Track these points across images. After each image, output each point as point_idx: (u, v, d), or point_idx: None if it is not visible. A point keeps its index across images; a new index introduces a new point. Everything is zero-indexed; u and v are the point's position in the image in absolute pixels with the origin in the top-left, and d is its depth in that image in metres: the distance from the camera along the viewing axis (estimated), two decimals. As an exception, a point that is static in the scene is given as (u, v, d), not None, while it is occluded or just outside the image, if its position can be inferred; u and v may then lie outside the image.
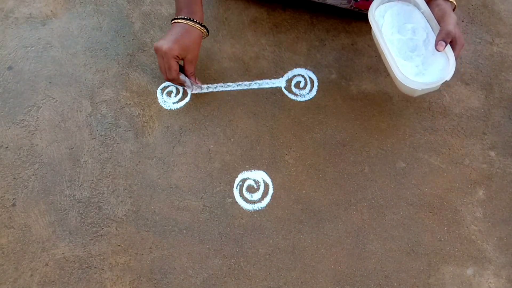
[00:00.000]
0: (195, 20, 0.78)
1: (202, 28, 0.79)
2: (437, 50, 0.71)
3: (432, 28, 0.75)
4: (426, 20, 0.76)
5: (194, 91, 0.88)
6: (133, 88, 0.90)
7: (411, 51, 0.76)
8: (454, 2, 0.75)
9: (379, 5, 0.78)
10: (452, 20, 0.72)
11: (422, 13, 0.77)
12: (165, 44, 0.76)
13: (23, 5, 1.02)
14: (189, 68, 0.83)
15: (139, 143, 0.84)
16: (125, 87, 0.90)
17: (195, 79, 0.85)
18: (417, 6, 0.77)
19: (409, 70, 0.75)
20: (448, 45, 0.72)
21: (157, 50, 0.78)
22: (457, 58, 0.73)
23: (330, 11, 0.92)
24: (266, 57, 0.93)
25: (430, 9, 0.76)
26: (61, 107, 0.88)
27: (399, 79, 0.72)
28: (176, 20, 0.79)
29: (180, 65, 0.82)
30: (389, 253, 0.74)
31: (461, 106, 0.87)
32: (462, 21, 0.97)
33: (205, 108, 0.88)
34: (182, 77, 0.82)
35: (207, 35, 0.82)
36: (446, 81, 0.71)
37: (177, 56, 0.78)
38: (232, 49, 0.94)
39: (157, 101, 0.89)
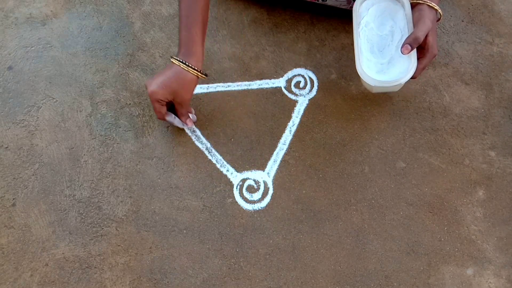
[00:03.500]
0: (190, 65, 0.74)
1: (197, 72, 0.76)
2: (402, 53, 0.72)
3: (408, 30, 0.76)
4: (406, 22, 0.77)
5: (186, 128, 0.85)
6: (133, 88, 0.90)
7: (380, 49, 0.77)
8: (440, 11, 0.74)
9: None
10: (424, 27, 0.72)
11: (406, 14, 0.77)
12: (151, 86, 0.75)
13: (23, 5, 1.02)
14: (179, 110, 0.79)
15: (139, 143, 0.84)
16: (125, 87, 0.90)
17: (186, 119, 0.81)
18: (403, 6, 0.77)
19: (372, 66, 0.77)
20: (414, 51, 0.72)
21: (146, 87, 0.77)
22: (426, 66, 0.75)
23: (330, 12, 0.92)
24: (266, 57, 0.93)
25: (412, 12, 0.76)
26: (61, 107, 0.88)
27: (358, 71, 0.75)
28: (172, 59, 0.75)
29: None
30: (389, 253, 0.74)
31: (461, 106, 0.87)
32: (462, 21, 0.97)
33: (205, 108, 0.88)
34: (169, 118, 0.80)
35: (206, 77, 0.78)
36: (400, 83, 0.73)
37: (161, 100, 0.75)
38: (232, 49, 0.94)
39: (157, 101, 0.89)
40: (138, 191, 0.80)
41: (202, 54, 0.77)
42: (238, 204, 0.79)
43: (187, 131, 0.85)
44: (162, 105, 0.77)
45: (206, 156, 0.83)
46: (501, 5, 1.00)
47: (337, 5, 0.92)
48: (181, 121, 0.81)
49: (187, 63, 0.74)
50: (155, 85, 0.75)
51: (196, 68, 0.75)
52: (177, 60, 0.75)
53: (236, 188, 0.80)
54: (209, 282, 0.72)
